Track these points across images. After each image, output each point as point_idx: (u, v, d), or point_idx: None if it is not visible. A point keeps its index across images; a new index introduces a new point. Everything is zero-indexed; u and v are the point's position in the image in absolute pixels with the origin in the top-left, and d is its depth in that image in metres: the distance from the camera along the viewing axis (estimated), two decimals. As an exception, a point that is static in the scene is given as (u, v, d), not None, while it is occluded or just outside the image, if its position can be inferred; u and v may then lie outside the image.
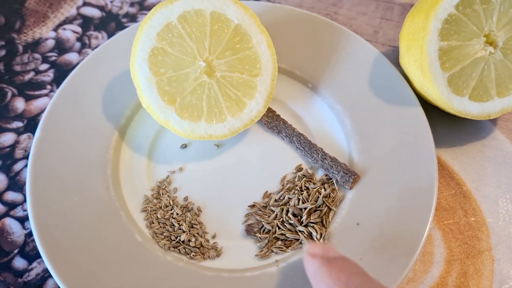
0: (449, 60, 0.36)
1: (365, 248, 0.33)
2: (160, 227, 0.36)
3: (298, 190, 0.37)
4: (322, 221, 0.35)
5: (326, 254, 0.25)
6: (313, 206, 0.35)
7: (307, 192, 0.36)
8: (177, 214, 0.36)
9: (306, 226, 0.35)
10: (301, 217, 0.35)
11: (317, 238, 0.34)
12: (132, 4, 0.50)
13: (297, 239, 0.35)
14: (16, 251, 0.36)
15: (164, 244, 0.35)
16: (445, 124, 0.41)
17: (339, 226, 0.35)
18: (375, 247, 0.33)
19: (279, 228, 0.35)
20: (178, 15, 0.36)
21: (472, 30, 0.36)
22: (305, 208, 0.35)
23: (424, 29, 0.36)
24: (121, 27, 0.48)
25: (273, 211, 0.36)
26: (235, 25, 0.37)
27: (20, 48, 0.47)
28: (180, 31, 0.36)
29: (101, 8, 0.50)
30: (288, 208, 0.36)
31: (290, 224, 0.35)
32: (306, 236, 0.35)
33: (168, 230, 0.35)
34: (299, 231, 0.35)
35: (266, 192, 0.37)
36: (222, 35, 0.37)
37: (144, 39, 0.36)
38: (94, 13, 0.49)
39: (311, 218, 0.35)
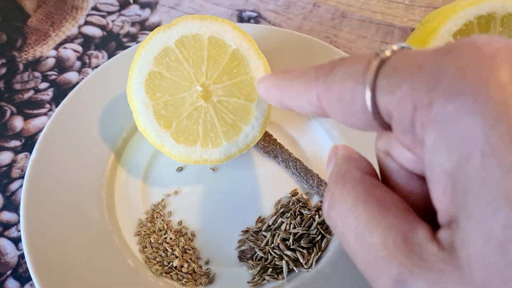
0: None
1: (361, 277, 0.33)
2: (153, 252, 0.35)
3: (292, 215, 0.36)
4: (313, 248, 0.35)
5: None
6: (305, 232, 0.35)
7: (301, 218, 0.36)
8: (171, 238, 0.36)
9: (294, 251, 0.35)
10: (289, 241, 0.35)
11: (304, 264, 0.34)
12: (133, 24, 0.50)
13: (289, 267, 0.34)
14: (9, 272, 0.36)
15: (157, 270, 0.34)
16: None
17: (333, 254, 0.35)
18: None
19: (270, 254, 0.35)
20: (176, 39, 0.36)
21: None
22: (296, 233, 0.35)
23: (421, 57, 0.36)
24: (121, 46, 0.48)
25: (265, 237, 0.36)
26: (232, 50, 0.37)
27: (21, 66, 0.47)
28: (178, 56, 0.36)
29: (102, 27, 0.50)
30: (279, 233, 0.35)
31: (280, 249, 0.35)
32: (292, 261, 0.34)
33: (161, 255, 0.35)
34: (285, 254, 0.35)
35: (260, 217, 0.37)
36: (219, 60, 0.37)
37: (142, 63, 0.36)
38: (95, 32, 0.50)
39: (302, 242, 0.35)
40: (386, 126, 0.18)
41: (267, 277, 0.34)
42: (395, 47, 0.18)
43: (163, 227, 0.37)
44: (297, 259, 0.34)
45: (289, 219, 0.36)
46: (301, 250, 0.35)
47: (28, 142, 0.42)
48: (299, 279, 0.34)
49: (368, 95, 0.17)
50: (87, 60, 0.48)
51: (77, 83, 0.44)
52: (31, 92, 0.45)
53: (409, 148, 0.17)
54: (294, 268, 0.34)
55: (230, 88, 0.37)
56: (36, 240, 0.34)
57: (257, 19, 0.50)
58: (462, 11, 0.35)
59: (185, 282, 0.34)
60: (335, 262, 0.34)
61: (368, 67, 0.17)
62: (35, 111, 0.44)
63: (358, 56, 0.19)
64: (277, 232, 0.36)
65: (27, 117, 0.44)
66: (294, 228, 0.36)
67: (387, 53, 0.17)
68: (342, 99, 0.18)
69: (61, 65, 0.47)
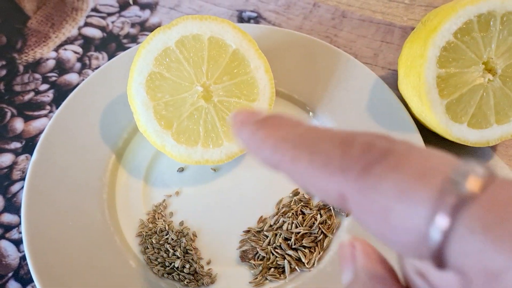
0: (447, 87, 0.36)
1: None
2: (155, 252, 0.35)
3: (293, 214, 0.36)
4: (316, 247, 0.35)
5: (256, 118, 0.18)
6: (306, 231, 0.35)
7: (302, 217, 0.36)
8: (172, 239, 0.36)
9: (296, 250, 0.35)
10: (291, 240, 0.35)
11: (305, 263, 0.34)
12: (133, 25, 0.50)
13: (290, 267, 0.34)
14: (10, 274, 0.36)
15: (158, 271, 0.34)
16: (443, 150, 0.41)
17: (335, 254, 0.35)
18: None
19: (272, 254, 0.35)
20: (176, 40, 0.36)
21: (471, 57, 0.36)
22: (298, 233, 0.35)
23: (422, 56, 0.36)
24: (121, 47, 0.48)
25: (267, 236, 0.36)
26: (233, 50, 0.37)
27: (21, 68, 0.47)
28: (178, 56, 0.36)
29: (102, 28, 0.50)
30: (281, 232, 0.35)
31: (282, 249, 0.35)
32: (294, 260, 0.34)
33: (162, 256, 0.35)
34: (287, 254, 0.34)
35: (261, 217, 0.37)
36: (219, 60, 0.37)
37: (142, 63, 0.36)
38: (95, 33, 0.50)
39: (304, 242, 0.35)
40: (441, 267, 0.14)
41: (269, 277, 0.34)
42: (477, 182, 0.13)
43: (165, 227, 0.37)
44: (299, 259, 0.34)
45: (290, 218, 0.36)
46: (303, 249, 0.35)
47: (29, 144, 0.42)
48: (301, 278, 0.34)
49: (436, 236, 0.13)
50: (87, 62, 0.48)
51: (78, 84, 0.43)
52: (31, 94, 0.45)
53: None
54: (296, 267, 0.34)
55: (230, 88, 0.37)
56: (37, 242, 0.34)
57: (257, 19, 0.50)
58: (462, 10, 0.35)
59: (187, 282, 0.34)
60: (337, 262, 0.34)
61: (440, 198, 0.13)
62: (36, 113, 0.44)
63: (415, 165, 0.14)
64: (278, 232, 0.36)
65: (27, 118, 0.44)
66: (296, 227, 0.36)
67: (470, 189, 0.13)
68: (388, 221, 0.14)
69: (61, 67, 0.47)
